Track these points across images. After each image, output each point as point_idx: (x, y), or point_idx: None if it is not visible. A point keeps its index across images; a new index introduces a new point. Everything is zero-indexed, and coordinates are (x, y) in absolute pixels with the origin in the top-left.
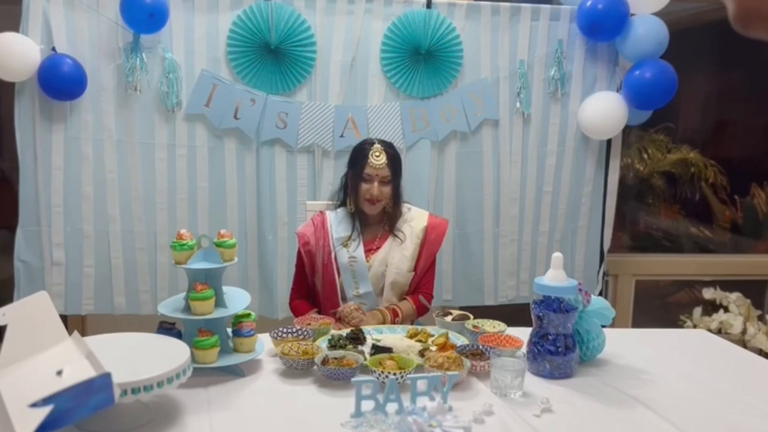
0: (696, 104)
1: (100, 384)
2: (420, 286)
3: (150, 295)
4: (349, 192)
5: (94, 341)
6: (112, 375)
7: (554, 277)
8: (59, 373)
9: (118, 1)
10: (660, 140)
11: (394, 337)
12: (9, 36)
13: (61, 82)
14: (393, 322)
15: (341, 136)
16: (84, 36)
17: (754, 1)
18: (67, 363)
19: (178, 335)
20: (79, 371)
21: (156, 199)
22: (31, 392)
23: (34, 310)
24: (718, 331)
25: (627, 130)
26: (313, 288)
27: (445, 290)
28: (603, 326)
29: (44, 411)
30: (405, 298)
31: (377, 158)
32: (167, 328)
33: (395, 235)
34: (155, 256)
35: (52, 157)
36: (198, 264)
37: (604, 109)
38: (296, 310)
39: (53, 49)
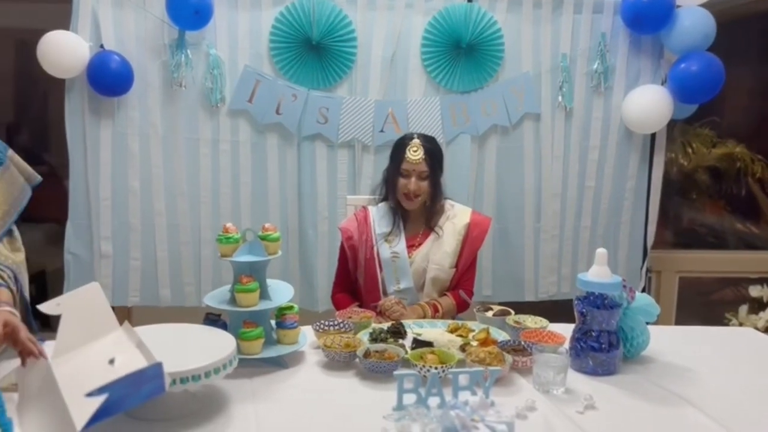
0: (742, 97)
1: (152, 373)
2: (461, 283)
3: (194, 287)
4: (389, 188)
5: (143, 331)
6: (163, 365)
7: (598, 274)
8: (111, 361)
9: None
10: (705, 134)
11: (435, 331)
12: (59, 34)
13: (109, 78)
14: (433, 318)
15: (381, 131)
16: (131, 33)
17: None
18: (119, 352)
19: (224, 326)
20: (130, 360)
21: (200, 194)
22: (85, 380)
23: (86, 300)
24: (766, 330)
25: (671, 124)
26: (355, 282)
27: (485, 286)
28: (647, 323)
29: (99, 400)
30: (445, 294)
31: (414, 153)
32: (213, 319)
33: (434, 231)
34: (199, 250)
35: (100, 152)
36: (243, 257)
37: (649, 103)
38: (338, 304)
39: (101, 46)
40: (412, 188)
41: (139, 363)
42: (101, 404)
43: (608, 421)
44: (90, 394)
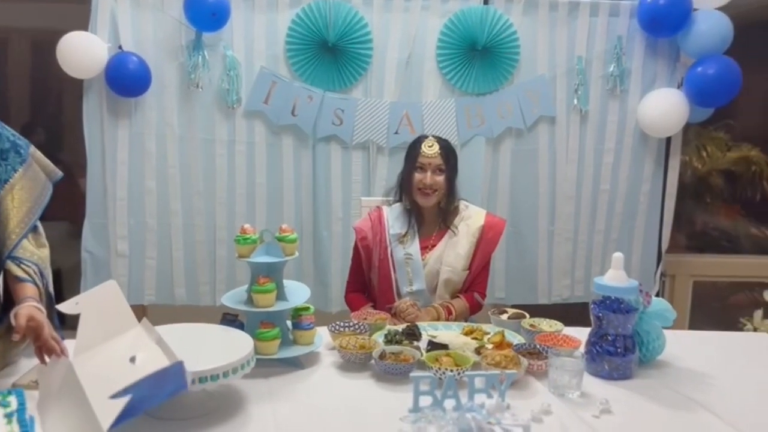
0: (758, 101)
1: (175, 371)
2: (473, 286)
3: (209, 287)
4: (404, 187)
5: (161, 331)
6: (184, 363)
7: (614, 278)
8: (132, 359)
9: (182, 0)
10: (719, 138)
11: (450, 333)
12: (79, 35)
13: (127, 79)
14: (447, 320)
15: (396, 132)
16: (149, 34)
17: None
18: (139, 350)
19: (241, 327)
20: (151, 358)
21: (216, 194)
22: (107, 379)
23: (104, 298)
24: None
25: (685, 128)
26: (368, 282)
27: (498, 288)
28: (663, 328)
29: (124, 400)
30: (458, 296)
31: (430, 148)
32: (230, 319)
33: (450, 230)
34: (214, 249)
35: (117, 152)
36: (261, 258)
37: (665, 107)
38: (351, 304)
39: (120, 47)
40: (429, 182)
41: (159, 360)
42: (126, 404)
43: (624, 426)
44: (114, 396)
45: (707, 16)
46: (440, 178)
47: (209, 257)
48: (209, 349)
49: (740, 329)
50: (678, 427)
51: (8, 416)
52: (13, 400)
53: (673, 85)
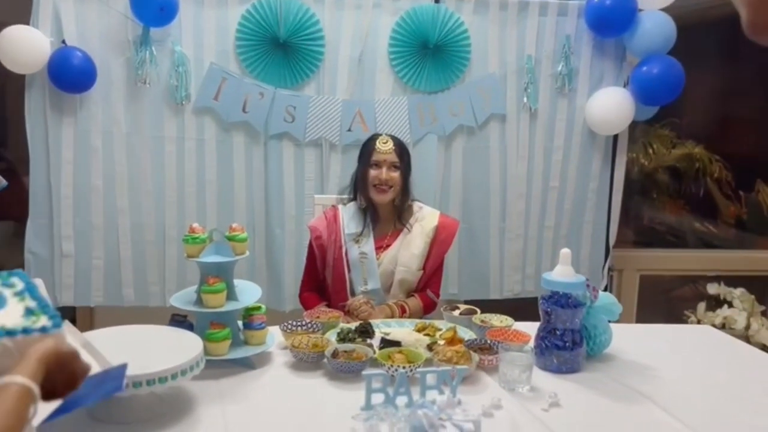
0: (702, 99)
1: (116, 373)
2: (427, 285)
3: (158, 287)
4: (359, 185)
5: (108, 333)
6: (127, 366)
7: (562, 273)
8: None
9: None
10: (665, 135)
11: (403, 331)
12: (19, 28)
13: (70, 74)
14: (400, 318)
15: (349, 130)
16: (94, 29)
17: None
18: None
19: (190, 327)
20: None
21: (165, 192)
22: None
23: None
24: (722, 327)
25: (632, 125)
26: (323, 281)
27: (451, 284)
28: (609, 321)
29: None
30: (412, 295)
31: (384, 144)
32: (179, 320)
33: (405, 227)
34: (164, 249)
35: (62, 150)
36: (210, 257)
37: (611, 105)
38: (305, 302)
39: (63, 41)
40: (384, 177)
41: (89, 362)
42: (63, 401)
43: (572, 418)
44: None
45: (652, 16)
46: (395, 175)
47: (158, 257)
48: (158, 350)
49: (684, 321)
50: (624, 418)
51: (19, 294)
52: (17, 281)
53: (620, 84)
